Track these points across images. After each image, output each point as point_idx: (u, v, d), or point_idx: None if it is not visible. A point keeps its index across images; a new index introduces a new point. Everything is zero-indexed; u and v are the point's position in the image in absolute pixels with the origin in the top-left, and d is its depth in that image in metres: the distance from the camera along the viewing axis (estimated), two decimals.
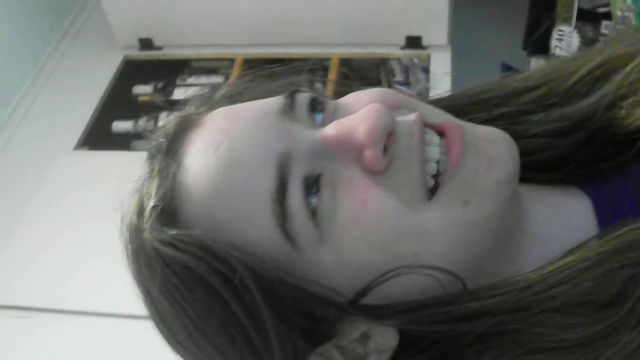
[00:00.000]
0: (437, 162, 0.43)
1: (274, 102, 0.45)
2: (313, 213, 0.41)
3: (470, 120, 0.48)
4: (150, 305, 0.45)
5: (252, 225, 0.41)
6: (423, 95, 1.74)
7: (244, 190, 0.42)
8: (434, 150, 0.43)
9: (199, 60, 2.09)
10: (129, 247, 0.45)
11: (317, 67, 0.54)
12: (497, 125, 0.47)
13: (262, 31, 1.96)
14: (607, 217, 0.48)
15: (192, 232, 0.42)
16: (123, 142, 1.86)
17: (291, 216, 0.41)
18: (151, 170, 0.47)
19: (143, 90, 2.01)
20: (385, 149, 0.42)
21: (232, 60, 2.02)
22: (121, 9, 2.01)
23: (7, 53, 1.96)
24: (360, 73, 1.93)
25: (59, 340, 1.39)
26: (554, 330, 0.41)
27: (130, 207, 0.46)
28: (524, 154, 0.47)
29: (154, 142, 0.48)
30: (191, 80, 2.01)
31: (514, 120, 0.52)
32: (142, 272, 0.44)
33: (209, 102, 0.50)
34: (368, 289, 0.42)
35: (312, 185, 0.42)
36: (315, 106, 0.46)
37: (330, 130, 0.43)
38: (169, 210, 0.44)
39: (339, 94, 0.50)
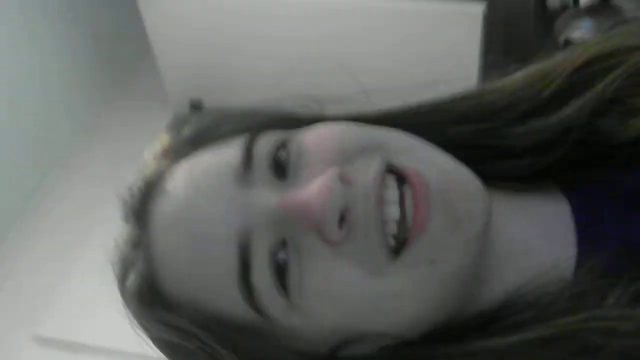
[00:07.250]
0: (397, 220, 0.42)
1: (230, 160, 0.44)
2: (282, 285, 0.41)
3: (442, 133, 0.48)
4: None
5: (224, 299, 0.43)
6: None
7: (211, 267, 0.43)
8: (394, 210, 0.42)
9: None
10: (120, 289, 0.48)
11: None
12: (469, 139, 0.48)
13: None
14: (585, 228, 0.48)
15: (171, 316, 0.44)
16: None
17: (258, 293, 0.42)
18: (127, 236, 0.48)
19: None
20: (343, 219, 0.41)
21: None
22: (176, 67, 2.06)
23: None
24: None
25: None
26: None
27: (115, 263, 0.48)
28: (504, 173, 0.49)
29: (125, 206, 0.49)
30: None
31: (489, 134, 0.50)
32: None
33: (172, 151, 0.49)
34: (338, 349, 0.43)
35: (279, 251, 0.42)
36: (277, 162, 0.44)
37: (286, 201, 0.42)
38: (148, 287, 0.45)
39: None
